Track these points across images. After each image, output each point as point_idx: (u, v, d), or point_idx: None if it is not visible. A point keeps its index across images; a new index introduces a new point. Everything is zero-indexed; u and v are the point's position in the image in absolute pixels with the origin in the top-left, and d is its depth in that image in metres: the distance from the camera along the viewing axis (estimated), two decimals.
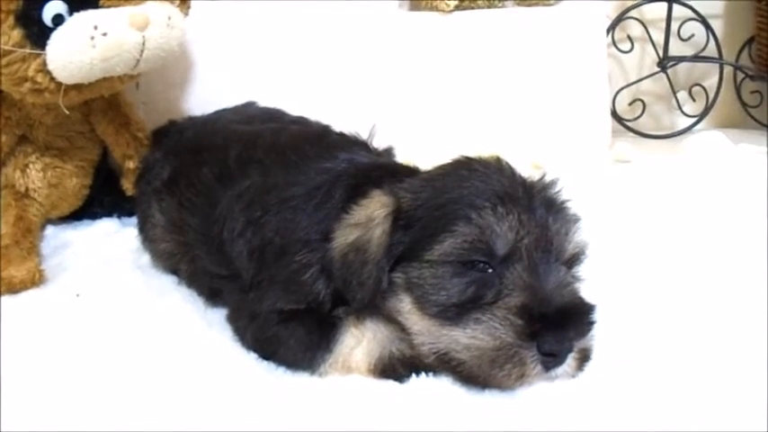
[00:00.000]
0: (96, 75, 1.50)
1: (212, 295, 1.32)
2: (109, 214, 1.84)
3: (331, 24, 2.15)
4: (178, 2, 1.65)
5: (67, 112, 1.58)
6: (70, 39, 1.45)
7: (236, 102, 1.76)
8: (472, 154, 1.14)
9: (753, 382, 1.02)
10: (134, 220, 1.62)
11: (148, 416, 0.98)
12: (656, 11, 2.62)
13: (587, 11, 2.33)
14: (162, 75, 1.95)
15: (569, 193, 1.11)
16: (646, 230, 1.64)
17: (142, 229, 1.54)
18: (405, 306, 1.04)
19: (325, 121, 1.58)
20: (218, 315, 1.27)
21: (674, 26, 2.61)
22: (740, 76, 2.75)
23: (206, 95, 2.00)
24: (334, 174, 1.18)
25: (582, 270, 1.09)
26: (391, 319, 1.06)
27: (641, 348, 1.12)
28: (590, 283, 1.10)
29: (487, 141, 2.00)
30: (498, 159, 1.11)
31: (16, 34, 1.44)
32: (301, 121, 1.62)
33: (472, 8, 2.25)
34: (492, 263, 1.00)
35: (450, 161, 1.13)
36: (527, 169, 1.14)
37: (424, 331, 1.02)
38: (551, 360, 0.96)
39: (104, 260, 1.55)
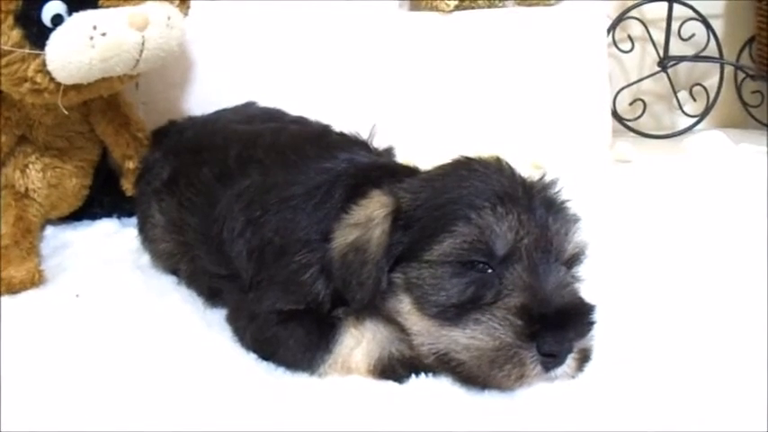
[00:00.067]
0: (95, 75, 1.50)
1: (212, 295, 1.32)
2: (109, 214, 1.83)
3: (331, 24, 2.15)
4: (178, 2, 1.64)
5: (67, 113, 1.57)
6: (69, 39, 1.45)
7: (236, 102, 1.76)
8: (472, 154, 1.13)
9: (753, 382, 1.02)
10: (134, 220, 1.62)
11: (148, 416, 0.98)
12: (657, 10, 2.61)
13: (588, 11, 2.33)
14: (162, 75, 1.95)
15: (569, 193, 1.10)
16: (646, 230, 1.64)
17: (142, 229, 1.54)
18: (404, 306, 1.03)
19: (325, 121, 1.58)
20: (218, 315, 1.27)
21: (675, 26, 2.61)
22: (741, 75, 2.75)
23: (206, 95, 2.00)
24: (334, 174, 1.18)
25: (582, 270, 1.09)
26: (391, 320, 1.06)
27: (641, 348, 1.12)
28: (590, 283, 1.09)
29: (487, 141, 2.00)
30: (498, 159, 1.11)
31: (15, 34, 1.44)
32: (301, 121, 1.62)
33: (472, 8, 2.25)
34: (491, 263, 0.99)
35: (449, 161, 1.13)
36: (527, 169, 1.13)
37: (424, 332, 1.02)
38: (551, 360, 0.95)
39: (104, 260, 1.55)
